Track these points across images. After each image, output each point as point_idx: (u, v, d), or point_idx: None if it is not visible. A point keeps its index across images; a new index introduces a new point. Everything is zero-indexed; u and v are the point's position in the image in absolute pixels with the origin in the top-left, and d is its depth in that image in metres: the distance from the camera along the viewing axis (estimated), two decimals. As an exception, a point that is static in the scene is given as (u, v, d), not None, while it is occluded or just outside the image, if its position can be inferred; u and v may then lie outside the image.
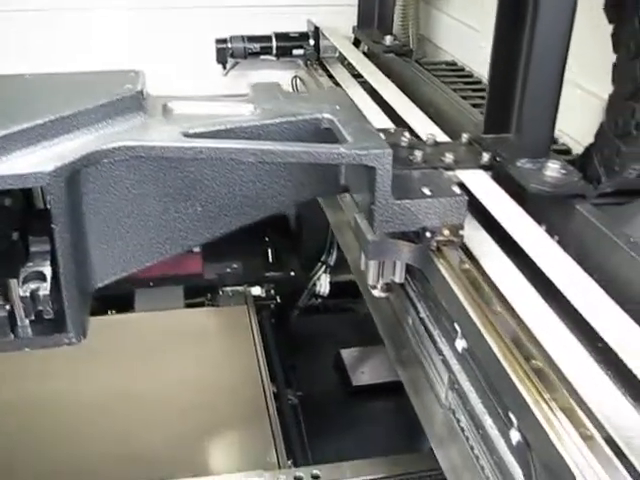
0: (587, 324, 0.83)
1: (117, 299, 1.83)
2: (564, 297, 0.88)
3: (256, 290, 1.99)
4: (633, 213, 1.17)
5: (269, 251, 2.22)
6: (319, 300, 2.25)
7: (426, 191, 0.99)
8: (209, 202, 1.04)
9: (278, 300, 2.07)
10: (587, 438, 0.69)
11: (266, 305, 2.00)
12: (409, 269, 1.13)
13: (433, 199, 0.98)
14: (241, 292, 1.88)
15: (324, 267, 2.24)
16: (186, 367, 1.57)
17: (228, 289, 1.89)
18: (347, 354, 1.98)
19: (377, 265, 1.10)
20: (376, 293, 1.17)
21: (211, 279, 1.95)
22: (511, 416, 0.82)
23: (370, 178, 0.94)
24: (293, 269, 2.19)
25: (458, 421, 1.00)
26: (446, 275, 0.98)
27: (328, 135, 1.02)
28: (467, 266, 0.98)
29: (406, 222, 0.98)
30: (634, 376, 0.75)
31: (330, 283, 2.28)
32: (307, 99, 1.16)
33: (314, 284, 2.24)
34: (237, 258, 2.04)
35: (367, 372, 1.88)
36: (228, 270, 1.97)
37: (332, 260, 2.24)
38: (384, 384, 1.78)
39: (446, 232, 1.04)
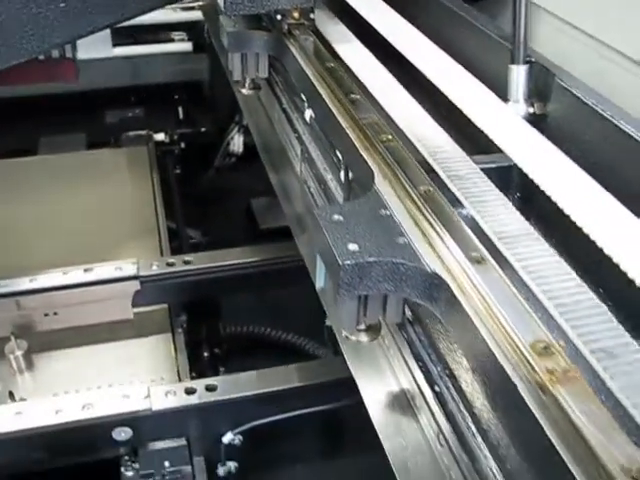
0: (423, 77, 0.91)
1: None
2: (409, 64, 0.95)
3: (160, 136, 2.04)
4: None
5: (179, 109, 2.27)
6: (233, 159, 2.31)
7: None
8: (71, -1, 1.07)
9: (182, 146, 2.13)
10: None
11: (170, 150, 2.05)
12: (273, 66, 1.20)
13: (278, -22, 1.03)
14: (143, 135, 1.92)
15: (237, 127, 2.30)
16: (86, 202, 1.63)
17: (131, 133, 1.94)
18: (257, 203, 2.07)
19: (240, 61, 1.15)
20: (245, 92, 1.24)
21: (113, 122, 1.99)
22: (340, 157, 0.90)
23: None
24: (204, 127, 2.24)
25: (309, 188, 1.08)
26: (295, 53, 1.04)
27: None
28: (319, 48, 1.05)
29: (255, 4, 1.03)
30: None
31: (245, 144, 2.34)
32: None
33: (228, 143, 2.29)
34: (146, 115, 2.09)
35: (274, 217, 1.95)
36: (130, 114, 2.01)
37: (245, 120, 2.28)
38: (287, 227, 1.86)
39: (296, 15, 1.10)
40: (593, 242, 0.61)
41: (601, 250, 0.60)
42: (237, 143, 2.33)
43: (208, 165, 2.29)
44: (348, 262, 0.62)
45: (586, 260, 0.67)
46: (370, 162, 0.77)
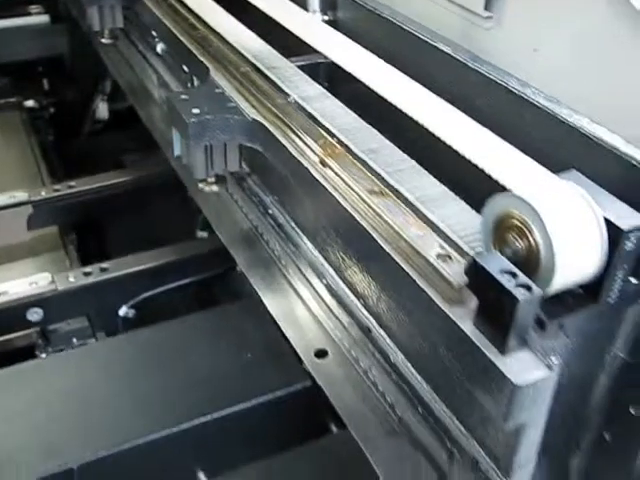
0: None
1: None
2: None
3: (30, 103, 2.21)
4: None
5: (44, 81, 2.44)
6: (101, 125, 2.52)
7: None
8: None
9: (52, 110, 2.31)
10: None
11: (41, 116, 2.23)
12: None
13: None
14: (14, 102, 2.09)
15: (101, 95, 2.50)
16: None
17: (1, 100, 2.09)
18: (127, 159, 2.29)
19: (97, 12, 1.38)
20: (104, 41, 1.46)
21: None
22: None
23: None
24: (69, 97, 2.43)
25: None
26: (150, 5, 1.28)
27: None
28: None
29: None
30: None
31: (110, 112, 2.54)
32: None
33: (94, 111, 2.49)
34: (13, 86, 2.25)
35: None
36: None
37: (107, 88, 2.48)
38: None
39: (140, -33, 1.33)
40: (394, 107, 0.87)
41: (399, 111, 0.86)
42: (102, 110, 2.53)
43: (78, 132, 2.49)
44: (193, 120, 0.88)
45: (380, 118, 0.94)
46: (206, 62, 1.03)
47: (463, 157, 0.73)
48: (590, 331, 0.66)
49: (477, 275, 0.53)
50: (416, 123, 0.81)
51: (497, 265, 0.53)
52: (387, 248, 0.62)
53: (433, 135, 0.78)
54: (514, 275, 0.52)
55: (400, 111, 0.84)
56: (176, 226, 1.50)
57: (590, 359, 0.69)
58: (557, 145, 0.70)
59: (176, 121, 0.93)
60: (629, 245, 0.59)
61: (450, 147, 0.75)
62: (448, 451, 0.65)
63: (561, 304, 0.60)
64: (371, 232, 0.64)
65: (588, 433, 0.75)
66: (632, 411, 0.72)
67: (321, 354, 0.82)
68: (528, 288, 0.51)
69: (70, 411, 1.00)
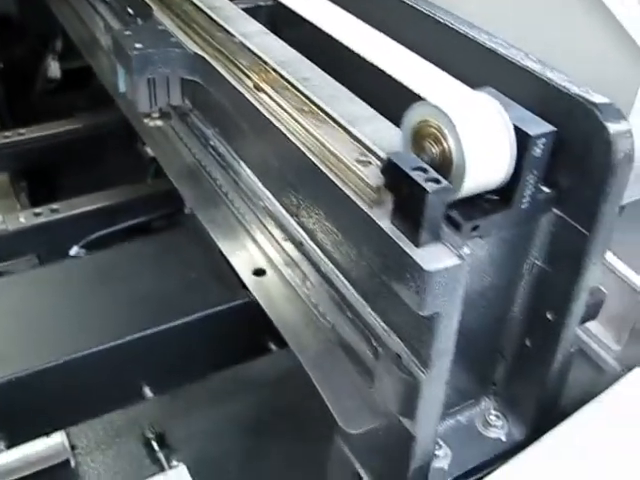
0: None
1: None
2: None
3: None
4: None
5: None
6: (53, 84, 2.50)
7: None
8: None
9: (1, 66, 2.30)
10: None
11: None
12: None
13: None
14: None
15: (52, 55, 2.48)
16: None
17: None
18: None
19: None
20: None
21: None
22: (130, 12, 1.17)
23: None
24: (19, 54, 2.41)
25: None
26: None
27: None
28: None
29: None
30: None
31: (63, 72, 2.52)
32: None
33: (45, 70, 2.48)
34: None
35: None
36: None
37: (58, 46, 2.47)
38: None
39: None
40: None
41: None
42: (54, 69, 2.52)
43: (29, 91, 2.47)
44: (136, 52, 0.91)
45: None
46: (150, 2, 1.05)
47: (397, 89, 0.77)
48: (507, 237, 0.72)
49: (392, 173, 0.58)
50: (354, 64, 0.84)
51: (410, 163, 0.57)
52: (312, 157, 0.66)
53: (370, 73, 0.81)
54: (425, 171, 0.56)
55: (339, 51, 0.88)
56: (127, 175, 1.52)
57: (509, 266, 0.74)
58: (476, 67, 0.74)
59: (120, 56, 0.95)
60: (537, 151, 0.64)
61: (382, 77, 0.79)
62: (374, 349, 0.70)
63: (476, 208, 0.65)
64: (298, 145, 0.68)
65: (511, 339, 0.81)
66: (549, 317, 0.77)
67: (260, 273, 0.87)
68: (437, 182, 0.55)
69: (15, 327, 1.03)
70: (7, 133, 1.55)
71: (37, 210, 1.30)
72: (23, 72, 2.44)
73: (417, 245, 0.57)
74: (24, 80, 2.42)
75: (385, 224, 0.59)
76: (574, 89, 0.66)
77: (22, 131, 1.56)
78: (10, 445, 0.95)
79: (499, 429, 0.84)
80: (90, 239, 1.30)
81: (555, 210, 0.70)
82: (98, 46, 1.47)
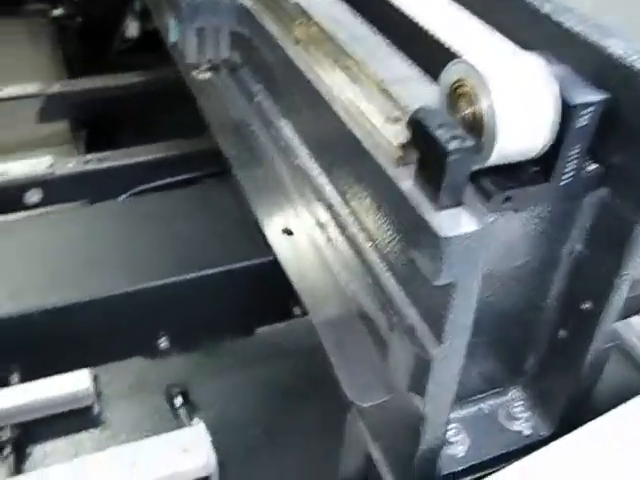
0: None
1: None
2: None
3: (57, 11, 2.24)
4: None
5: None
6: (130, 43, 2.53)
7: None
8: None
9: (79, 20, 2.33)
10: None
11: (67, 25, 2.26)
12: None
13: None
14: (40, 8, 2.11)
15: (132, 14, 2.50)
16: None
17: (30, 6, 2.12)
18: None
19: None
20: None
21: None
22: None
23: None
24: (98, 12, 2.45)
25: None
26: None
27: None
28: None
29: None
30: None
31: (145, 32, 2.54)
32: None
33: (124, 29, 2.50)
34: None
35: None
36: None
37: (137, 7, 2.49)
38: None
39: None
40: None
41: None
42: (132, 29, 2.54)
43: (105, 50, 2.51)
44: (187, 1, 0.90)
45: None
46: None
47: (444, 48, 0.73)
48: (544, 215, 0.67)
49: (415, 129, 0.54)
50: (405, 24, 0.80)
51: (436, 119, 0.53)
52: (340, 113, 0.63)
53: (418, 32, 0.77)
54: (451, 128, 0.52)
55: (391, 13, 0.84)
56: (187, 131, 1.51)
57: (545, 247, 0.69)
58: (528, 32, 0.69)
59: (171, 5, 0.94)
60: (581, 121, 0.59)
61: (429, 35, 0.74)
62: (390, 320, 0.66)
63: (511, 178, 0.60)
64: (328, 101, 0.65)
65: (544, 328, 0.76)
66: (586, 307, 0.72)
67: (287, 232, 0.85)
68: (462, 140, 0.51)
69: (42, 264, 1.04)
70: (72, 81, 1.57)
71: (87, 157, 1.31)
72: (101, 29, 2.48)
73: (436, 209, 0.54)
74: (101, 37, 2.46)
75: (406, 185, 0.56)
76: (632, 57, 0.60)
77: (87, 81, 1.58)
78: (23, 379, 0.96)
79: (523, 422, 0.80)
80: (135, 190, 1.31)
81: (602, 189, 0.65)
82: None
